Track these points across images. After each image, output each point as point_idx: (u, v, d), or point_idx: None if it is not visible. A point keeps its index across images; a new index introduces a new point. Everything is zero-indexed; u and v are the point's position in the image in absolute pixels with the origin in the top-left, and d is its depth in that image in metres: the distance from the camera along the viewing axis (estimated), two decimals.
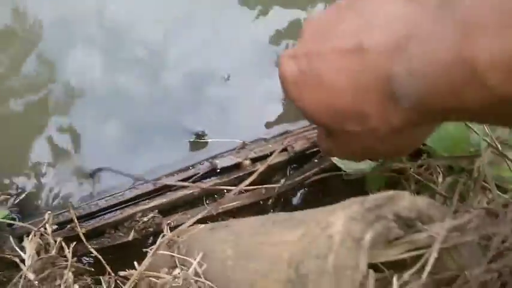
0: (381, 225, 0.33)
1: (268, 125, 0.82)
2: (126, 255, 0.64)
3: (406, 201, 0.34)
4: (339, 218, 0.32)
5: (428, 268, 0.31)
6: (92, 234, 0.71)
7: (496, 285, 0.44)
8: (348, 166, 0.64)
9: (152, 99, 0.84)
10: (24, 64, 0.85)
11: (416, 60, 0.24)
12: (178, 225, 0.74)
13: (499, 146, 0.55)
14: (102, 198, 0.74)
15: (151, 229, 0.70)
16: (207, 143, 0.79)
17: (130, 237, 0.70)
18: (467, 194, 0.54)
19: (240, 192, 0.77)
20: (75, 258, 0.60)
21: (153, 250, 0.50)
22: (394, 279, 0.33)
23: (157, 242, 0.51)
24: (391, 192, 0.33)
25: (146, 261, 0.49)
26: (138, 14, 0.88)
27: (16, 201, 0.75)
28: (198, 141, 0.79)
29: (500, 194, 0.53)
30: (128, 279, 0.50)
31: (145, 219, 0.71)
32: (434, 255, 0.32)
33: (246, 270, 0.40)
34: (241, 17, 0.90)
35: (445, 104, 0.23)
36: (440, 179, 0.56)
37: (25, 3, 0.87)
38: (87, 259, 0.74)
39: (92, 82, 0.84)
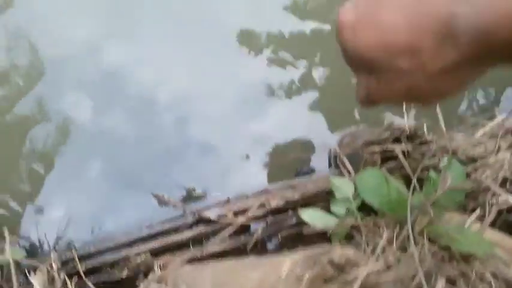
0: (318, 268, 0.44)
1: (251, 182, 0.95)
2: None
3: (338, 251, 0.46)
4: (286, 263, 0.44)
5: None
6: (90, 271, 0.82)
7: None
8: (314, 222, 0.77)
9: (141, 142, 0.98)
10: (19, 102, 0.93)
11: None
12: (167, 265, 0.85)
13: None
14: (100, 241, 0.85)
15: (142, 268, 0.80)
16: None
17: (123, 275, 0.81)
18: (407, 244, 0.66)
19: (223, 239, 0.88)
20: None
21: (144, 284, 0.61)
22: None
23: (149, 278, 0.62)
24: (328, 247, 0.46)
25: None
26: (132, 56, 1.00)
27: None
28: (191, 196, 0.92)
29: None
30: None
31: (138, 259, 0.81)
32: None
33: None
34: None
35: (506, 36, 0.24)
36: (384, 233, 0.68)
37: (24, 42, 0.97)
38: None
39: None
